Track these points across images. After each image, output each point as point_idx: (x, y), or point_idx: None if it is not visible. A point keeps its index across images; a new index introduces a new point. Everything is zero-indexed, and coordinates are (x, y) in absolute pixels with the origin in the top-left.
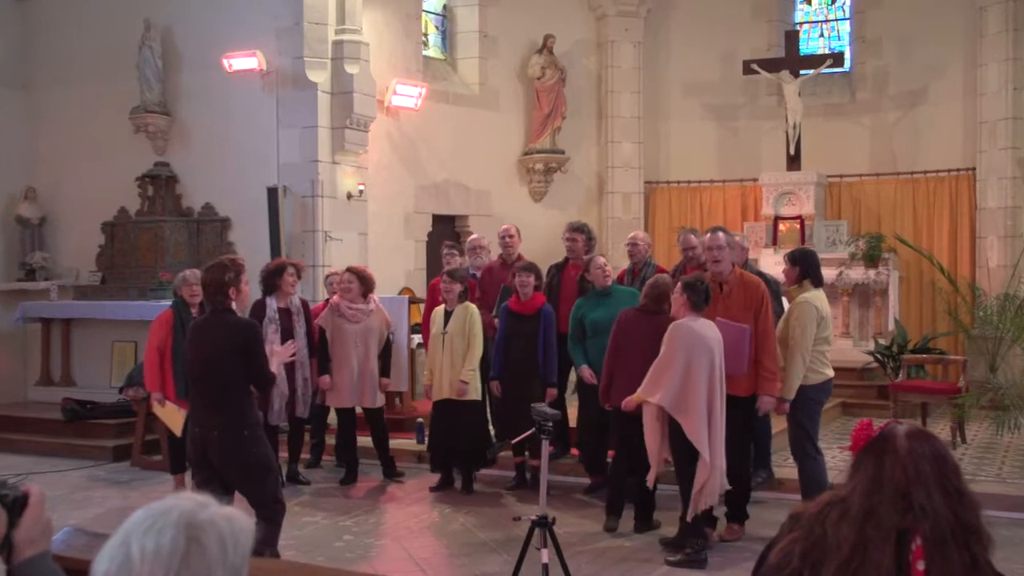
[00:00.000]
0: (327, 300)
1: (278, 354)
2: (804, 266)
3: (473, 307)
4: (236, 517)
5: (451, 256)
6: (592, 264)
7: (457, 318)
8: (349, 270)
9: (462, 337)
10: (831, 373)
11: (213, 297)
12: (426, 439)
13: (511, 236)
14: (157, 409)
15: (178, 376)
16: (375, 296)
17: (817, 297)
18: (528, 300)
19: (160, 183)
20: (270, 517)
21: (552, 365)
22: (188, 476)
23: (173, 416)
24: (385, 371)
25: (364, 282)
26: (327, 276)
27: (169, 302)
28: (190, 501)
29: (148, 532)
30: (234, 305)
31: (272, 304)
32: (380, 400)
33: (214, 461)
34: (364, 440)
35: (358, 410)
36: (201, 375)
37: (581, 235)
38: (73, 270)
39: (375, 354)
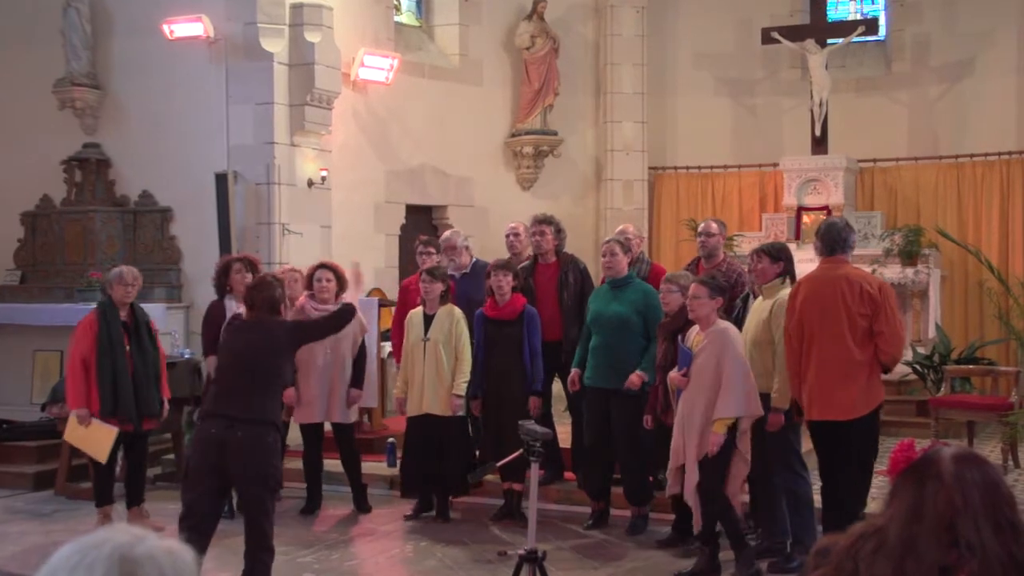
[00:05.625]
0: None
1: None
2: (788, 264)
3: (458, 310)
4: (178, 551)
5: (426, 255)
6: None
7: (440, 322)
8: (324, 266)
9: (448, 344)
10: None
11: (265, 315)
12: (398, 461)
13: (517, 235)
14: (74, 432)
15: (104, 390)
16: (347, 296)
17: None
18: (507, 303)
19: (90, 167)
20: (261, 557)
21: (538, 372)
22: (115, 509)
23: (98, 437)
24: (357, 381)
25: (340, 281)
26: (283, 272)
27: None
28: (125, 534)
29: (76, 569)
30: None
31: (230, 306)
32: (352, 416)
33: (232, 464)
34: (332, 463)
35: (327, 427)
36: (236, 372)
37: (549, 227)
38: None
39: (348, 363)
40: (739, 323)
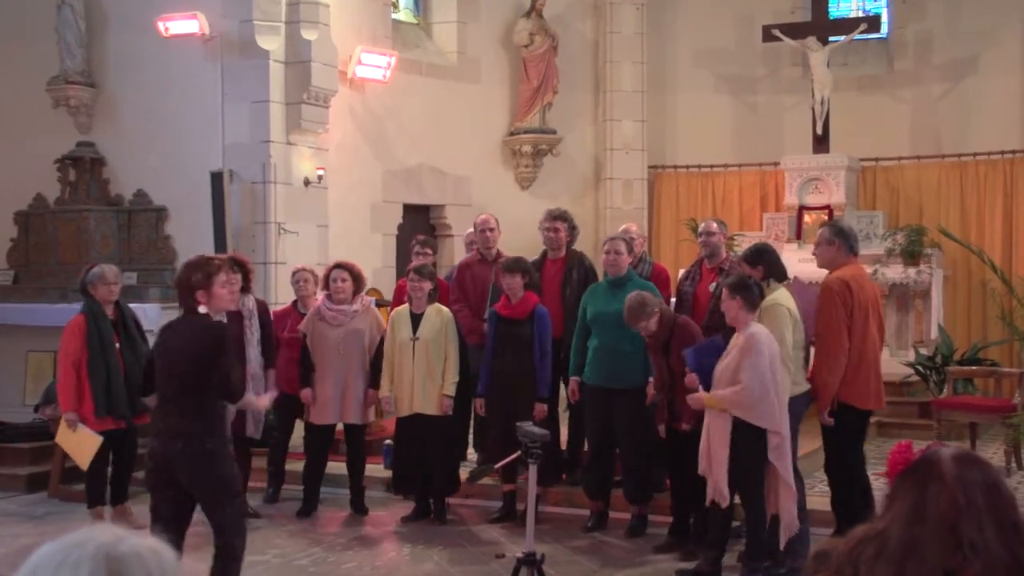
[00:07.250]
0: (294, 302)
1: (252, 404)
2: (767, 265)
3: (447, 310)
4: (161, 549)
5: (423, 255)
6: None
7: (430, 322)
8: (340, 266)
9: (438, 344)
10: (807, 385)
11: (182, 299)
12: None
13: (491, 229)
14: (63, 436)
15: (97, 391)
16: (364, 296)
17: (785, 297)
18: (519, 302)
19: (84, 166)
20: (230, 553)
21: (544, 376)
22: (107, 510)
23: (83, 444)
24: (375, 382)
25: (357, 280)
26: (294, 272)
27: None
28: (108, 533)
29: (61, 567)
30: (202, 309)
31: None
32: (366, 417)
33: (181, 479)
34: (332, 466)
35: (337, 428)
36: (166, 380)
37: (564, 224)
38: None
39: (363, 363)
40: None
